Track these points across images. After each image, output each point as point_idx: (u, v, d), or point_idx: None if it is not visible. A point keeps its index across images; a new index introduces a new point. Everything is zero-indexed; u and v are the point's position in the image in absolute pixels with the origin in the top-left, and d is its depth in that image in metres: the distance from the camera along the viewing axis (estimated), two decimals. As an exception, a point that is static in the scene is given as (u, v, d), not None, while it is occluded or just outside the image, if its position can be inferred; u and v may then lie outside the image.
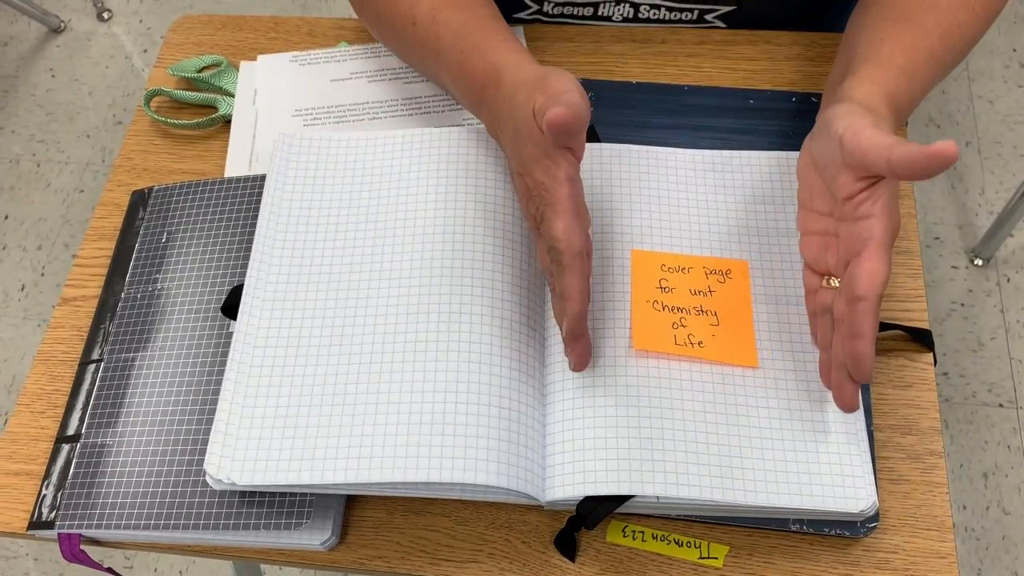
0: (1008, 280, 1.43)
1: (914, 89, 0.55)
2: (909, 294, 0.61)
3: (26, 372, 1.48)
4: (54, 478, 0.56)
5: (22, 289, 1.56)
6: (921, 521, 0.54)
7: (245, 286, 0.57)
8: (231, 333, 0.58)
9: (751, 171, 0.62)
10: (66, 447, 0.57)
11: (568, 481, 0.51)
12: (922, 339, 0.59)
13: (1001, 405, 1.33)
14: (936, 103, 1.62)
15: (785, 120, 0.66)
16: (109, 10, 1.88)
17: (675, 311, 0.56)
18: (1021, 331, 1.39)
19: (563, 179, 0.50)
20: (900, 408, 0.57)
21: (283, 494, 0.53)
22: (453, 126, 0.68)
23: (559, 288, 0.51)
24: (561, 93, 0.49)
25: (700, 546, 0.54)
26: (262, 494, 0.53)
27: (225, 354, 0.58)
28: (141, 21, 1.87)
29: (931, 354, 0.59)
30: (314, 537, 0.53)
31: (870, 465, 0.52)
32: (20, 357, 1.49)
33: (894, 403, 0.57)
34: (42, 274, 1.57)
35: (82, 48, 1.84)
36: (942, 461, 0.56)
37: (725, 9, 0.72)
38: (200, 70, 0.75)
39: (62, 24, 1.87)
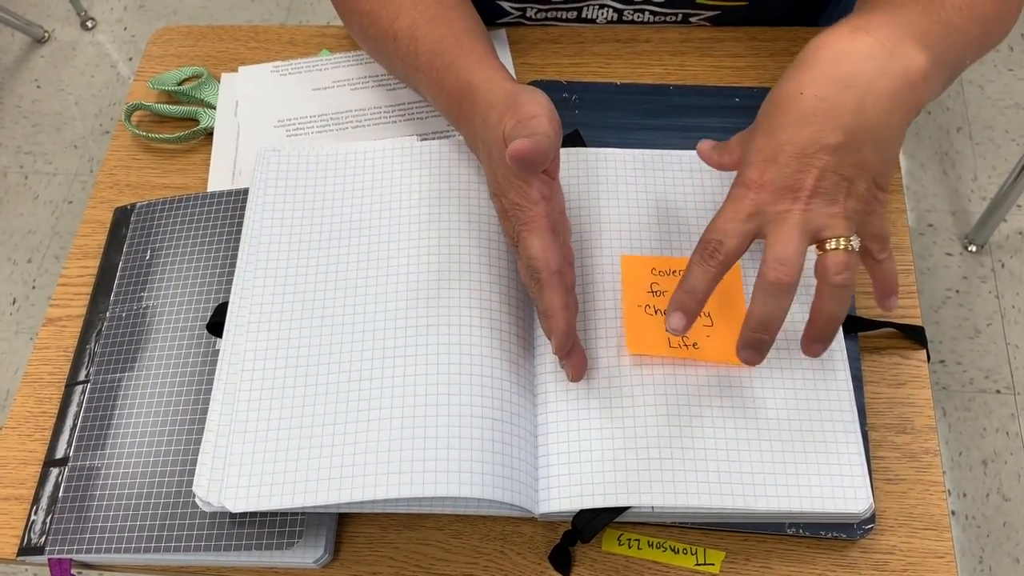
0: (1003, 265, 1.43)
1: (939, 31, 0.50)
2: (901, 290, 0.61)
3: (19, 387, 1.48)
4: (43, 502, 0.56)
5: (13, 303, 1.55)
6: (918, 520, 0.53)
7: (229, 304, 0.57)
8: (218, 351, 0.58)
9: (739, 171, 0.62)
10: (55, 471, 0.57)
11: (563, 494, 0.51)
12: (915, 336, 0.59)
13: (999, 391, 1.33)
14: (926, 89, 1.61)
15: (772, 117, 0.66)
16: (93, 19, 1.87)
17: (666, 315, 0.56)
18: (1017, 316, 1.39)
19: (537, 199, 0.50)
20: (895, 407, 0.57)
21: (274, 513, 0.52)
22: (438, 135, 0.68)
23: (542, 306, 0.51)
24: (530, 118, 0.49)
25: (696, 552, 0.53)
26: (253, 514, 0.52)
27: (213, 372, 0.57)
28: (126, 29, 1.86)
29: (924, 351, 0.59)
30: (307, 555, 0.52)
31: (865, 466, 0.51)
32: (13, 372, 1.49)
33: (888, 402, 0.57)
34: (33, 287, 1.57)
35: (67, 58, 1.83)
36: (937, 460, 0.55)
37: (709, 13, 0.71)
38: (181, 82, 0.74)
39: (46, 34, 1.86)
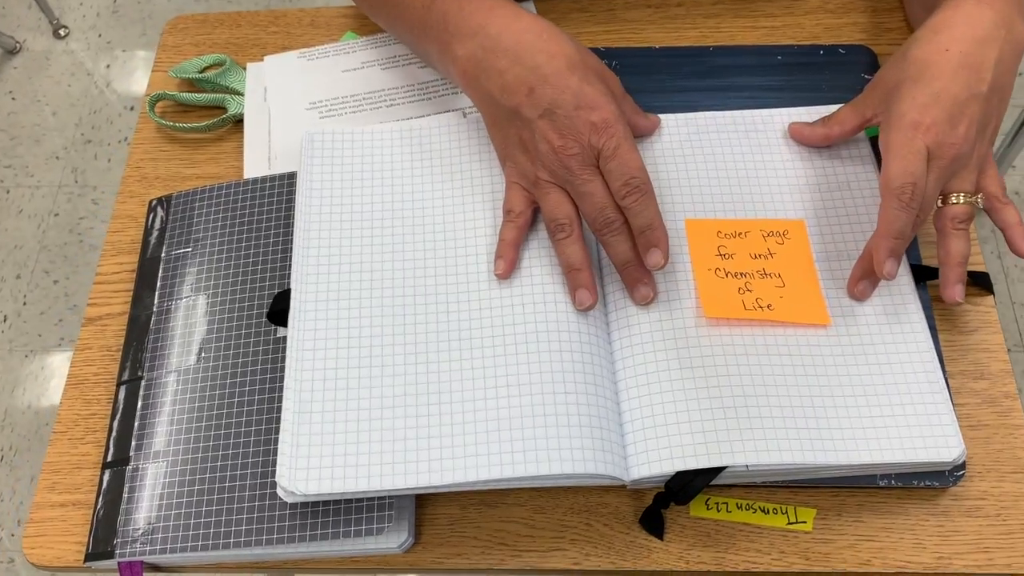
0: (1002, 226, 1.44)
1: None
2: (961, 239, 0.61)
3: (17, 406, 1.43)
4: (106, 505, 0.53)
5: (4, 320, 1.51)
6: (1006, 465, 0.53)
7: (292, 290, 0.55)
8: (278, 339, 0.56)
9: (793, 127, 0.61)
10: (114, 472, 0.54)
11: (654, 458, 0.49)
12: (982, 282, 0.58)
13: (1008, 350, 1.34)
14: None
15: (816, 74, 0.65)
16: (66, 27, 1.82)
17: (739, 276, 0.55)
18: (1020, 275, 1.40)
19: (619, 115, 0.53)
20: (969, 353, 0.56)
21: (359, 500, 0.50)
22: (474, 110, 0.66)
23: (645, 219, 0.52)
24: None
25: (787, 511, 0.52)
26: (336, 502, 0.50)
27: (275, 361, 0.55)
28: (100, 36, 1.81)
29: (991, 296, 0.58)
30: (391, 540, 0.51)
31: (953, 413, 0.51)
32: (10, 390, 1.44)
33: (962, 348, 0.57)
34: (24, 303, 1.52)
35: (41, 68, 1.78)
36: (1018, 403, 0.55)
37: None
38: (203, 70, 0.72)
39: (17, 45, 1.80)
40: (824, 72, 0.65)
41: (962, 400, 0.55)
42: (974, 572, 0.50)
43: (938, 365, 0.52)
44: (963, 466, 0.51)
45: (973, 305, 0.58)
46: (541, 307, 0.53)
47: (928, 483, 0.51)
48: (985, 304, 0.58)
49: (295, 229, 0.57)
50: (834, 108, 0.62)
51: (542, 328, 0.52)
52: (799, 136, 0.60)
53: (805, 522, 0.52)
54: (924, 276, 0.57)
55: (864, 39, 0.69)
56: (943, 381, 0.52)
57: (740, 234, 0.57)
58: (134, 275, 0.62)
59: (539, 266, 0.54)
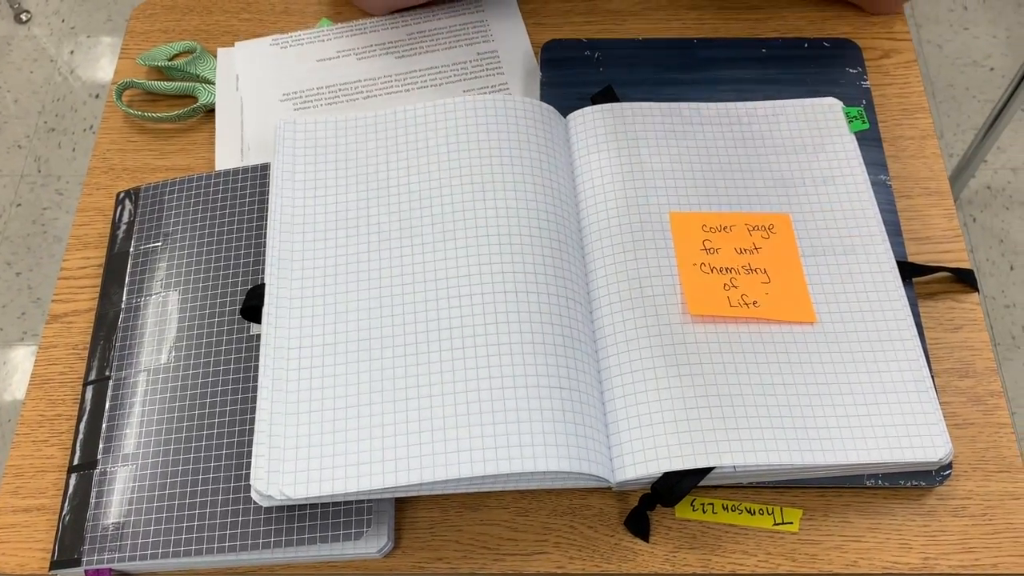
0: (974, 220, 1.45)
1: None
2: (946, 235, 0.60)
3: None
4: (73, 510, 0.51)
5: (-35, 314, 1.46)
6: (991, 464, 0.53)
7: (266, 286, 0.53)
8: (252, 336, 0.54)
9: (778, 121, 0.60)
10: (81, 475, 0.52)
11: (640, 459, 0.48)
12: (967, 279, 0.58)
13: (980, 343, 1.35)
14: (886, 51, 1.63)
15: (801, 67, 0.64)
16: (27, 11, 1.77)
17: (724, 272, 0.54)
18: (991, 269, 1.41)
19: None
20: (954, 351, 0.56)
21: (336, 503, 0.49)
22: (468, 96, 0.65)
23: None
24: None
25: (774, 512, 0.52)
26: (313, 505, 0.49)
27: (248, 359, 0.53)
28: (63, 21, 1.77)
29: (976, 294, 0.58)
30: (370, 545, 0.49)
31: (940, 412, 0.50)
32: (-28, 386, 1.40)
33: (947, 346, 0.56)
34: (-15, 296, 1.48)
35: (2, 54, 1.73)
36: (1003, 401, 0.55)
37: None
38: (172, 58, 0.69)
39: (-23, 30, 1.75)
40: (809, 65, 0.65)
41: (947, 399, 0.54)
42: (960, 572, 0.50)
43: (924, 364, 0.52)
44: (950, 465, 0.51)
45: (957, 303, 0.58)
46: (524, 303, 0.51)
47: (915, 483, 0.51)
48: (970, 301, 0.58)
49: (268, 222, 0.55)
50: (819, 101, 0.61)
51: (525, 325, 0.50)
52: None
53: (791, 523, 0.51)
54: (910, 273, 0.56)
55: (848, 32, 0.68)
56: (930, 380, 0.51)
57: (725, 228, 0.56)
58: (101, 270, 0.60)
59: (523, 260, 0.53)
